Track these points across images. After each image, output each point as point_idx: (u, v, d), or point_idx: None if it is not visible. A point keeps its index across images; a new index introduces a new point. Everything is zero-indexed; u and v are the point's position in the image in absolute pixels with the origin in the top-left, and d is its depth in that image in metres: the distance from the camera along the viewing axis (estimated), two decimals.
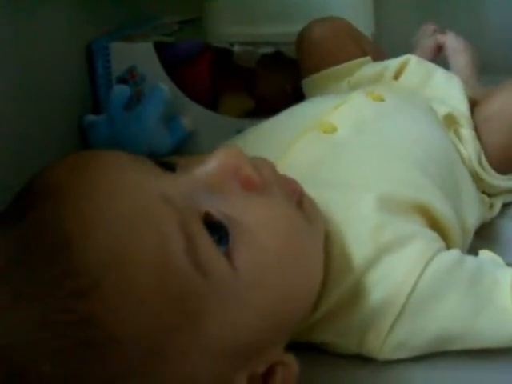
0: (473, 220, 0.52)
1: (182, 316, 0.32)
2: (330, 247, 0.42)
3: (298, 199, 0.40)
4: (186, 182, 0.36)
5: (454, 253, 0.44)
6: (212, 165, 0.36)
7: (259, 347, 0.36)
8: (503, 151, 0.58)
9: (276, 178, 0.40)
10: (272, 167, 0.41)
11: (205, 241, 0.33)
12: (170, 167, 0.37)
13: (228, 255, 0.34)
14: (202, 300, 0.33)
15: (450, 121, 0.58)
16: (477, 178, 0.58)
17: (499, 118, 0.58)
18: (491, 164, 0.58)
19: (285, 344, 0.39)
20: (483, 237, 0.55)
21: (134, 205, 0.33)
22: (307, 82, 0.69)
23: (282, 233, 0.37)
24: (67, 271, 0.30)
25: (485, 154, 0.58)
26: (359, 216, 0.43)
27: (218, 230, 0.35)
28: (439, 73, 0.63)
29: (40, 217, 0.32)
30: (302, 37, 0.69)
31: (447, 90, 0.61)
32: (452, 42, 0.74)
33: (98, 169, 0.35)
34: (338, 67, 0.66)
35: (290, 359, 0.38)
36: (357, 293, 0.41)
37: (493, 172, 0.58)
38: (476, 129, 0.59)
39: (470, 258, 0.44)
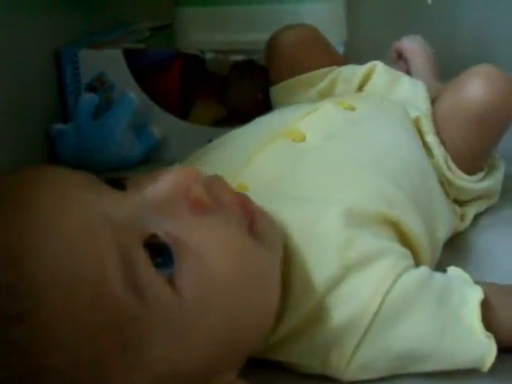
0: (443, 233, 0.51)
1: (122, 341, 0.31)
2: (290, 267, 0.40)
3: (250, 220, 0.38)
4: (133, 202, 0.34)
5: (422, 270, 0.42)
6: (162, 184, 0.35)
7: (209, 373, 0.35)
8: (464, 148, 0.57)
9: (229, 198, 0.38)
10: (225, 186, 0.39)
11: (144, 264, 0.32)
12: (119, 185, 0.36)
13: (171, 279, 0.33)
14: (141, 325, 0.32)
15: (416, 127, 0.57)
16: (447, 184, 0.57)
17: (452, 115, 0.57)
18: (458, 166, 0.57)
19: (238, 369, 0.37)
20: (454, 250, 0.54)
21: (75, 224, 0.32)
22: (275, 90, 0.67)
23: (230, 257, 0.35)
24: (3, 295, 0.29)
25: (450, 157, 0.57)
26: (324, 232, 0.41)
27: (162, 252, 0.33)
28: (404, 78, 0.63)
29: None
30: (271, 43, 0.67)
31: (412, 93, 0.61)
32: (408, 44, 0.74)
33: (45, 184, 0.34)
34: (307, 75, 0.64)
35: None
36: (320, 313, 0.40)
37: (461, 173, 0.57)
38: (437, 132, 0.58)
39: (438, 276, 0.43)
